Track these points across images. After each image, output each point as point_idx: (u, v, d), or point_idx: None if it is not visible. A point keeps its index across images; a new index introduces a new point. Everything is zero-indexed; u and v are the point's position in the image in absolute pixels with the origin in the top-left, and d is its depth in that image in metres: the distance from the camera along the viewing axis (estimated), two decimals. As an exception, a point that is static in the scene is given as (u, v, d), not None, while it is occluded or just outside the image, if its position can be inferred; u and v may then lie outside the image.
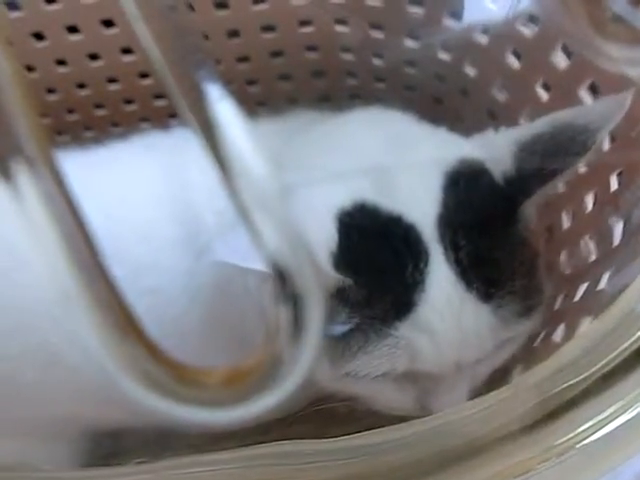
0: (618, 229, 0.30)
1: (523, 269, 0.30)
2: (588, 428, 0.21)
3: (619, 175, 0.31)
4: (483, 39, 0.40)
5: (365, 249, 0.29)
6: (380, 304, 0.28)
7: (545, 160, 0.30)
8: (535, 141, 0.30)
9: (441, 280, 0.28)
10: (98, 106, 0.48)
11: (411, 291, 0.28)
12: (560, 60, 0.35)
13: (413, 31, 0.42)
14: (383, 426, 0.22)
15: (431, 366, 0.29)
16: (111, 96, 0.47)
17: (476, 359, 0.30)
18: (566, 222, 0.35)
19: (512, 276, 0.29)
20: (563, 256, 0.35)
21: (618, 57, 0.28)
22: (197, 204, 0.34)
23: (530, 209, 0.31)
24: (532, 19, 0.35)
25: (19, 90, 0.15)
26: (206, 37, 0.43)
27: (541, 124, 0.30)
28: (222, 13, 0.42)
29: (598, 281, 0.30)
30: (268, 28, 0.44)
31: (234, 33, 0.44)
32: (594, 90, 0.34)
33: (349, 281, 0.28)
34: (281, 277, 0.15)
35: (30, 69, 0.44)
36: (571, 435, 0.21)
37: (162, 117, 0.48)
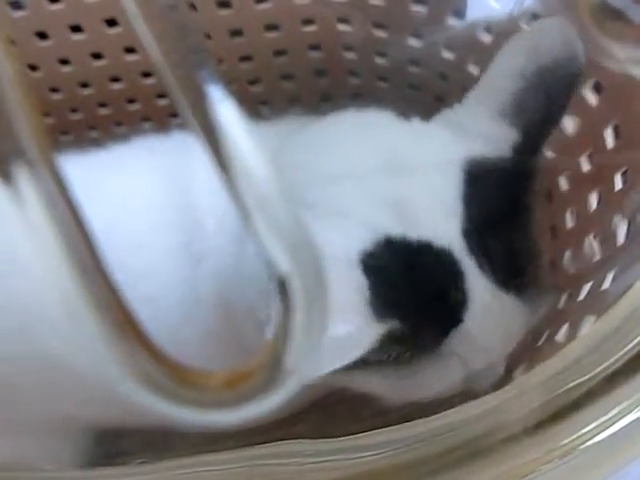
0: (622, 229, 0.30)
1: (538, 246, 0.30)
2: (592, 429, 0.21)
3: (624, 174, 0.31)
4: (487, 38, 0.39)
5: (402, 286, 0.28)
6: (429, 332, 0.28)
7: (539, 110, 0.30)
8: (518, 101, 0.31)
9: (479, 290, 0.29)
10: (101, 105, 0.48)
11: (456, 311, 0.28)
12: (564, 59, 0.35)
13: (416, 30, 0.42)
14: (386, 427, 0.22)
15: (480, 365, 0.30)
16: (114, 95, 0.47)
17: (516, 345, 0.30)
18: (570, 222, 0.35)
19: (536, 259, 0.30)
20: (567, 256, 0.34)
21: (622, 56, 0.28)
22: (196, 210, 0.34)
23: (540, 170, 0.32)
24: (535, 17, 0.35)
25: (20, 91, 0.15)
26: (208, 36, 0.43)
27: (509, 84, 0.31)
28: (225, 12, 0.42)
29: (602, 281, 0.29)
30: (271, 27, 0.44)
31: (237, 32, 0.44)
32: (598, 89, 0.34)
33: (395, 322, 0.27)
34: (283, 281, 0.15)
35: (34, 68, 0.45)
36: (575, 436, 0.21)
37: (165, 116, 0.48)
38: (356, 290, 0.27)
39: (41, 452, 0.36)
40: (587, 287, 0.31)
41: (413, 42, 0.42)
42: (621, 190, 0.31)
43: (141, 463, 0.19)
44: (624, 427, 0.21)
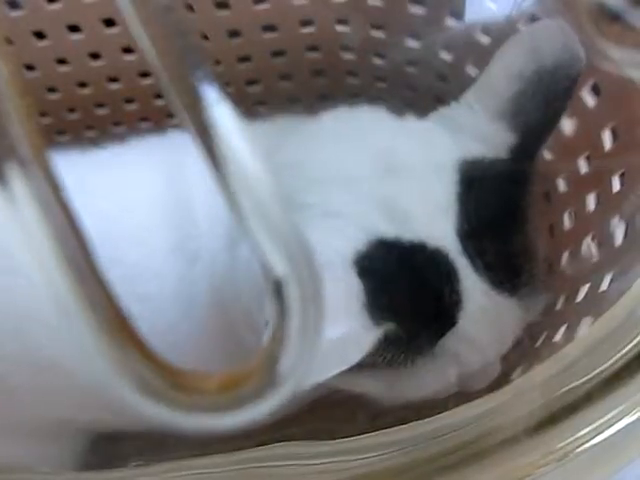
0: (620, 230, 0.30)
1: (534, 247, 0.30)
2: (589, 432, 0.21)
3: (621, 176, 0.31)
4: (485, 39, 0.39)
5: (397, 288, 0.28)
6: (424, 333, 0.28)
7: (537, 111, 0.30)
8: (516, 102, 0.31)
9: (473, 290, 0.29)
10: (99, 105, 0.48)
11: (451, 311, 0.28)
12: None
13: (415, 31, 0.42)
14: (381, 429, 0.21)
15: (475, 365, 0.30)
16: (112, 95, 0.47)
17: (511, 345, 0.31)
18: (568, 223, 0.35)
19: (530, 258, 0.30)
20: (565, 257, 0.34)
21: (620, 59, 0.28)
22: (192, 209, 0.34)
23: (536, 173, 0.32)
24: (534, 19, 0.35)
25: (14, 90, 0.15)
26: (206, 37, 0.43)
27: (508, 85, 0.31)
28: (223, 13, 0.42)
29: (600, 283, 0.29)
30: (269, 28, 0.44)
31: (235, 33, 0.44)
32: (596, 91, 0.34)
33: (390, 325, 0.27)
34: (278, 284, 0.15)
35: (31, 68, 0.44)
36: (572, 439, 0.21)
37: (162, 116, 0.48)
38: (351, 294, 0.27)
39: (38, 454, 0.35)
40: (585, 289, 0.31)
41: (411, 43, 0.42)
42: (619, 192, 0.31)
43: (137, 466, 0.19)
44: (621, 430, 0.21)
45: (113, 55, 0.44)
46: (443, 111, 0.33)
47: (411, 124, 0.34)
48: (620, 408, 0.21)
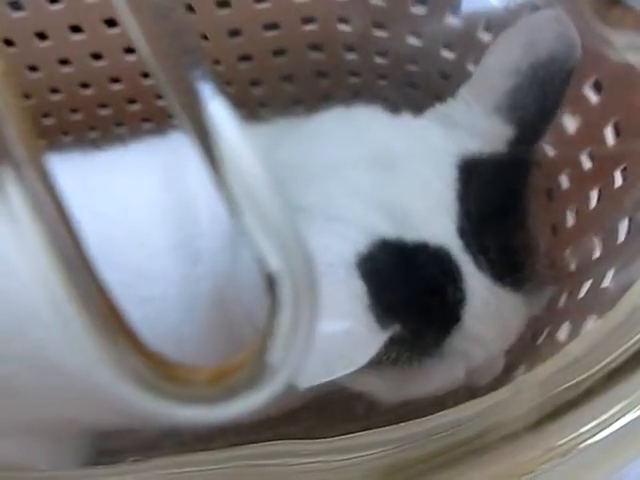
0: (623, 226, 0.30)
1: (536, 241, 0.30)
2: (592, 428, 0.21)
3: (623, 171, 0.31)
4: (486, 37, 0.39)
5: (400, 288, 0.28)
6: (429, 331, 0.28)
7: (534, 104, 0.30)
8: (513, 96, 0.30)
9: (476, 287, 0.29)
10: (101, 106, 0.48)
11: (456, 309, 0.28)
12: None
13: (416, 29, 0.42)
14: (381, 426, 0.21)
15: (481, 361, 0.30)
16: (114, 96, 0.47)
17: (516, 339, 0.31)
18: (570, 219, 0.35)
19: (532, 253, 0.30)
20: (567, 253, 0.34)
21: (620, 43, 0.28)
22: (194, 209, 0.34)
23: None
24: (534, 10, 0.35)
25: (8, 91, 0.15)
26: (206, 37, 0.43)
27: (503, 79, 0.31)
28: (224, 12, 0.42)
29: (602, 278, 0.29)
30: (270, 26, 0.44)
31: (236, 32, 0.44)
32: (598, 87, 0.33)
33: (396, 326, 0.27)
34: (272, 278, 0.15)
35: (34, 69, 0.45)
36: (574, 435, 0.21)
37: (165, 117, 0.48)
38: (355, 296, 0.27)
39: (40, 453, 0.35)
40: (587, 284, 0.31)
41: (413, 41, 0.42)
42: (621, 187, 0.31)
43: (135, 461, 0.19)
44: (624, 426, 0.21)
45: (115, 55, 0.44)
46: (439, 108, 0.33)
47: (407, 122, 0.34)
48: (623, 404, 0.21)
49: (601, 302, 0.28)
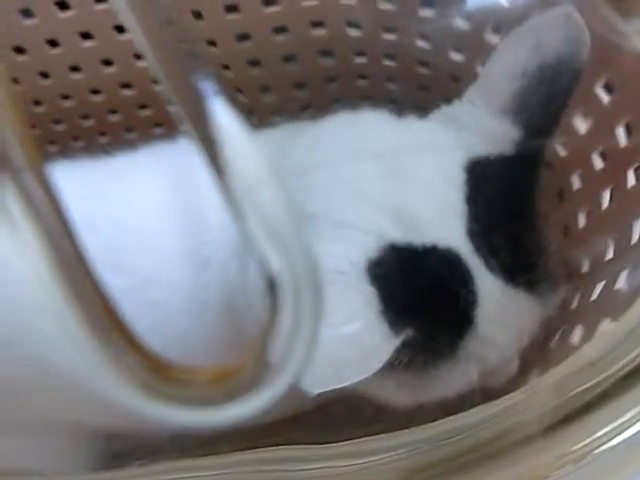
0: (637, 226, 0.30)
1: (547, 240, 0.30)
2: (607, 433, 0.21)
3: (636, 170, 0.31)
4: (494, 38, 0.39)
5: (412, 292, 0.28)
6: (443, 335, 0.28)
7: (541, 105, 0.30)
8: (520, 98, 0.30)
9: (488, 289, 0.28)
10: (112, 112, 0.48)
11: (468, 311, 0.28)
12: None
13: (424, 32, 0.42)
14: (391, 431, 0.21)
15: (495, 362, 0.30)
16: (125, 101, 0.47)
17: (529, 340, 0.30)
18: (582, 221, 0.35)
19: (544, 252, 0.30)
20: (579, 254, 0.34)
21: (634, 32, 0.28)
22: (203, 215, 0.33)
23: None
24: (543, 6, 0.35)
25: (7, 100, 0.15)
26: (214, 44, 0.43)
27: (510, 80, 0.30)
28: (233, 17, 0.42)
29: (616, 280, 0.29)
30: (280, 30, 0.44)
31: (245, 36, 0.44)
32: (609, 87, 0.33)
33: (409, 331, 0.27)
34: (273, 280, 0.15)
35: (45, 76, 0.45)
36: (589, 440, 0.21)
37: (174, 123, 0.48)
38: (367, 303, 0.27)
39: (43, 456, 0.36)
40: (600, 286, 0.30)
41: (421, 44, 0.42)
42: (634, 187, 0.31)
43: (140, 465, 0.19)
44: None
45: (125, 61, 0.45)
46: (446, 109, 0.33)
47: (413, 125, 0.34)
48: (639, 408, 0.21)
49: (614, 304, 0.28)
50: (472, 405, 0.24)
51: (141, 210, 0.35)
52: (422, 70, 0.44)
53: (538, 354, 0.31)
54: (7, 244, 0.14)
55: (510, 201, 0.30)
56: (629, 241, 0.30)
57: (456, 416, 0.23)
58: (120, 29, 0.43)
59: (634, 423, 0.21)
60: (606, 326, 0.27)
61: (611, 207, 0.32)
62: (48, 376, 0.32)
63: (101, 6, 0.41)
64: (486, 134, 0.31)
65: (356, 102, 0.47)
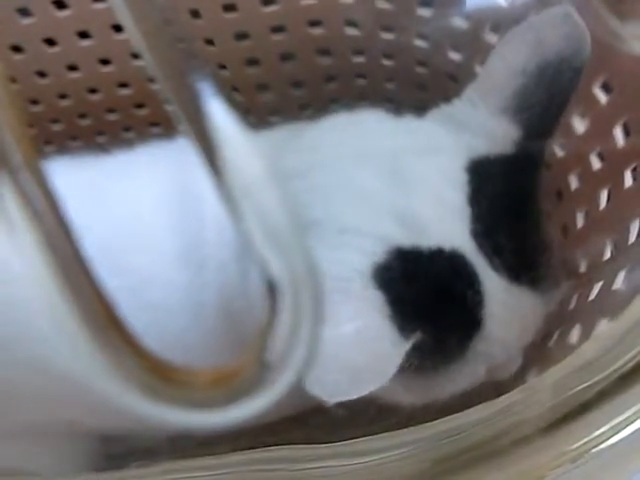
0: (634, 226, 0.30)
1: (549, 238, 0.30)
2: (605, 432, 0.21)
3: (633, 171, 0.31)
4: (493, 38, 0.39)
5: (419, 295, 0.28)
6: (452, 336, 0.29)
7: (541, 104, 0.30)
8: (520, 97, 0.30)
9: (494, 288, 0.29)
10: (110, 111, 0.48)
11: (475, 312, 0.28)
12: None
13: (422, 31, 0.42)
14: (389, 431, 0.21)
15: (501, 359, 0.30)
16: (123, 100, 0.47)
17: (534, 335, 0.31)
18: (580, 220, 0.35)
19: (546, 250, 0.30)
20: (577, 254, 0.34)
21: (631, 35, 0.28)
22: (200, 216, 0.33)
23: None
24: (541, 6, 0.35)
25: (4, 98, 0.15)
26: (212, 42, 0.43)
27: (510, 78, 0.30)
28: (231, 15, 0.42)
29: (614, 280, 0.29)
30: (278, 29, 0.44)
31: (243, 36, 0.44)
32: (607, 89, 0.33)
33: (418, 334, 0.27)
34: (272, 282, 0.15)
35: (42, 75, 0.45)
36: (587, 439, 0.21)
37: (172, 122, 0.48)
38: (375, 308, 0.27)
39: (42, 457, 0.35)
40: (598, 286, 0.30)
41: (420, 43, 0.42)
42: (632, 187, 0.31)
43: (139, 466, 0.19)
44: (638, 429, 0.21)
45: (123, 60, 0.44)
46: (445, 108, 0.33)
47: (413, 125, 0.33)
48: (637, 407, 0.21)
49: (612, 304, 0.28)
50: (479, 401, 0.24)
51: (138, 209, 0.35)
52: (420, 69, 0.44)
53: (537, 354, 0.31)
54: (5, 243, 0.14)
55: (512, 200, 0.30)
56: (627, 241, 0.30)
57: (454, 416, 0.23)
58: (118, 28, 0.43)
59: (632, 422, 0.21)
60: (604, 326, 0.27)
61: (609, 207, 0.33)
62: (46, 376, 0.32)
63: (99, 5, 0.41)
64: (486, 133, 0.31)
65: (354, 101, 0.47)
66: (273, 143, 0.34)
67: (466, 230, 0.29)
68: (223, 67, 0.45)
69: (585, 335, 0.29)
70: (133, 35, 0.16)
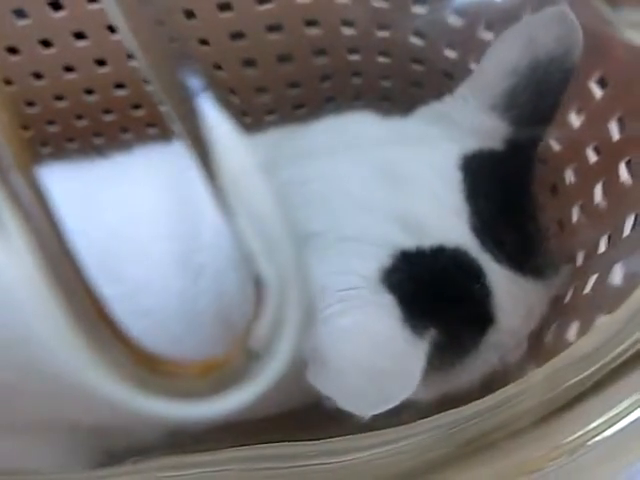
0: (629, 220, 0.30)
1: (546, 225, 0.31)
2: (600, 424, 0.21)
3: (628, 164, 0.31)
4: (488, 35, 0.39)
5: (428, 295, 0.28)
6: (465, 331, 0.29)
7: (532, 104, 0.30)
8: (510, 95, 0.31)
9: (499, 280, 0.29)
10: (106, 112, 0.48)
11: (485, 305, 0.29)
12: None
13: (418, 28, 0.42)
14: (379, 429, 0.21)
15: (510, 346, 0.31)
16: (119, 101, 0.47)
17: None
18: (575, 214, 0.35)
19: (545, 237, 0.31)
20: (573, 248, 0.34)
21: (624, 22, 0.28)
22: (197, 221, 0.33)
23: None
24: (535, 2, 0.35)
25: None
26: (207, 42, 0.43)
27: (499, 78, 0.31)
28: (226, 15, 0.42)
29: (608, 273, 0.29)
30: (274, 28, 0.44)
31: (238, 35, 0.44)
32: (602, 83, 0.33)
33: (433, 334, 0.27)
34: (259, 278, 0.15)
35: (38, 76, 0.45)
36: (583, 432, 0.21)
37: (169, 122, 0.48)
38: (387, 314, 0.27)
39: (41, 455, 0.35)
40: (593, 279, 0.31)
41: (415, 40, 0.42)
42: (626, 181, 0.31)
43: (136, 462, 0.19)
44: (634, 421, 0.21)
45: (119, 61, 0.45)
46: (436, 105, 0.33)
47: (402, 125, 0.34)
48: (633, 399, 0.21)
49: (608, 297, 0.28)
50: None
51: (134, 214, 0.34)
52: (416, 67, 0.44)
53: (533, 347, 0.31)
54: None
55: (507, 193, 0.30)
56: (621, 235, 0.30)
57: (450, 411, 0.23)
58: (113, 29, 0.43)
59: (628, 414, 0.21)
60: (600, 319, 0.27)
61: (604, 201, 0.33)
62: (43, 376, 0.32)
63: (94, 6, 0.41)
64: (476, 130, 0.31)
65: (350, 100, 0.47)
66: (267, 146, 0.34)
67: (466, 227, 0.29)
68: (219, 67, 0.45)
69: (581, 329, 0.29)
70: (125, 36, 0.16)
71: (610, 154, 0.32)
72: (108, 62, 0.45)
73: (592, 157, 0.34)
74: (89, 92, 0.47)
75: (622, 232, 0.30)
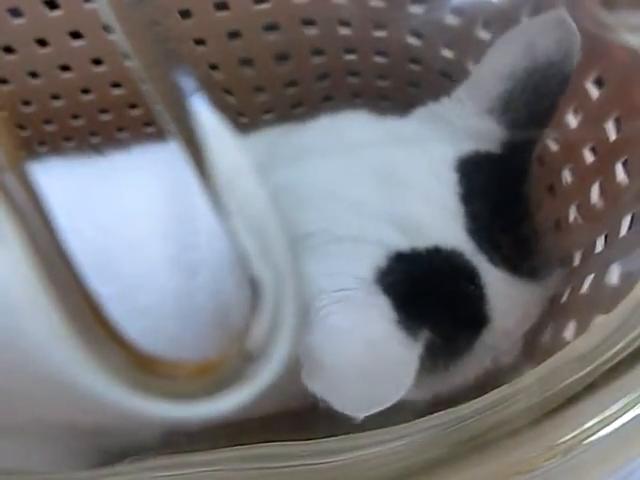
0: (625, 220, 0.30)
1: (542, 227, 0.32)
2: (595, 424, 0.21)
3: (624, 164, 0.31)
4: (485, 35, 0.39)
5: (423, 297, 0.28)
6: (460, 334, 0.29)
7: (528, 108, 0.31)
8: (506, 99, 0.31)
9: (494, 282, 0.29)
10: (103, 111, 0.48)
11: (480, 307, 0.29)
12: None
13: (415, 28, 0.42)
14: (373, 429, 0.21)
15: (505, 347, 0.31)
16: (116, 101, 0.47)
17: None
18: (573, 213, 0.35)
19: (540, 239, 0.31)
20: (570, 248, 0.34)
21: (621, 25, 0.28)
22: (194, 220, 0.33)
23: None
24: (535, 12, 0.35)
25: None
26: (203, 42, 0.43)
27: (496, 82, 0.31)
28: (223, 14, 0.42)
29: (605, 273, 0.29)
30: (271, 28, 0.44)
31: (235, 34, 0.44)
32: (600, 83, 0.33)
33: (427, 336, 0.27)
34: (255, 279, 0.15)
35: (34, 75, 0.45)
36: (577, 432, 0.21)
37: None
38: (382, 315, 0.27)
39: (36, 455, 0.35)
40: (589, 279, 0.31)
41: (412, 40, 0.42)
42: (622, 180, 0.31)
43: (131, 462, 0.19)
44: (629, 422, 0.21)
45: (115, 60, 0.44)
46: (432, 107, 0.33)
47: (398, 126, 0.34)
48: (628, 399, 0.21)
49: (604, 297, 0.28)
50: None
51: (129, 212, 0.34)
52: (413, 67, 0.44)
53: (529, 348, 0.31)
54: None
55: (503, 195, 0.30)
56: (618, 234, 0.30)
57: (445, 411, 0.23)
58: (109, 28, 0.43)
59: (623, 414, 0.21)
60: (596, 319, 0.27)
61: (600, 200, 0.33)
62: (39, 377, 0.32)
63: (90, 5, 0.41)
64: (472, 132, 0.31)
65: (347, 99, 0.47)
66: (262, 146, 0.34)
67: (462, 229, 0.29)
68: (215, 67, 0.45)
69: (577, 329, 0.29)
70: (118, 36, 0.16)
71: (607, 154, 0.32)
72: (104, 61, 0.45)
73: (589, 157, 0.34)
74: (85, 91, 0.46)
75: (619, 232, 0.30)
